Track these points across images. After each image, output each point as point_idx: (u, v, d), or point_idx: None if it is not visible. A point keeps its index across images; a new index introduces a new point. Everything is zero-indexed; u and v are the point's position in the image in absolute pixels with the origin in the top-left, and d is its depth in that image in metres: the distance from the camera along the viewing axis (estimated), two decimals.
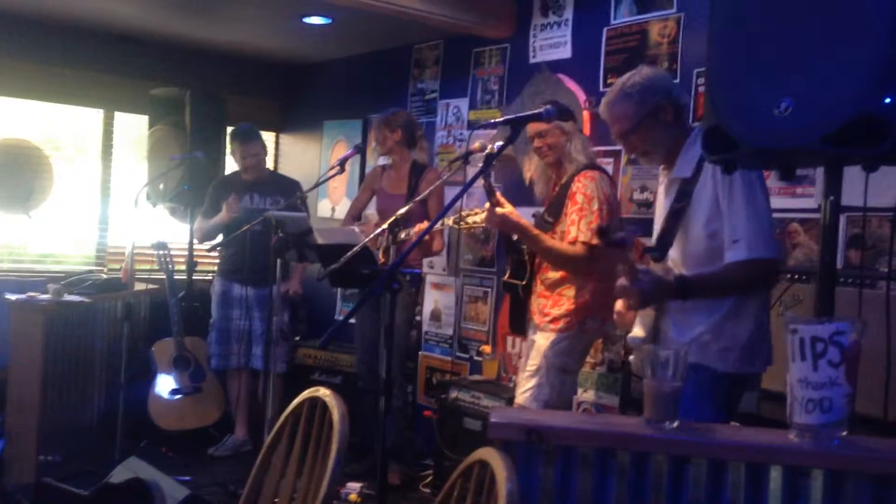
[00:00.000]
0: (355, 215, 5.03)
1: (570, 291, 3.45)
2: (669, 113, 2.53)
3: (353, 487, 4.26)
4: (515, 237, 3.52)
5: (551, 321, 3.46)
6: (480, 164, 2.66)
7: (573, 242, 3.35)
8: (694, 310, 2.43)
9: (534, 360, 3.47)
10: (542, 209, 3.65)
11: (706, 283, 2.40)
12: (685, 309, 2.43)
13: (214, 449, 5.05)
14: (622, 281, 2.36)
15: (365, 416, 4.66)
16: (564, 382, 3.49)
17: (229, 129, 5.38)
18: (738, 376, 2.44)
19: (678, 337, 2.45)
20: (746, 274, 2.33)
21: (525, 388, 3.47)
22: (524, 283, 3.61)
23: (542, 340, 3.47)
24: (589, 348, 3.72)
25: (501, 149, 2.58)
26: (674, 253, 2.52)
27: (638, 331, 2.57)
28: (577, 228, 3.34)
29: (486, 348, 4.75)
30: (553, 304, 3.48)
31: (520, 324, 3.73)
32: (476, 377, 4.70)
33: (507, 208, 3.31)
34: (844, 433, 1.61)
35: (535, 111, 2.63)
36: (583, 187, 3.39)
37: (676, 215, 2.45)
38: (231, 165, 5.60)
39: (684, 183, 2.44)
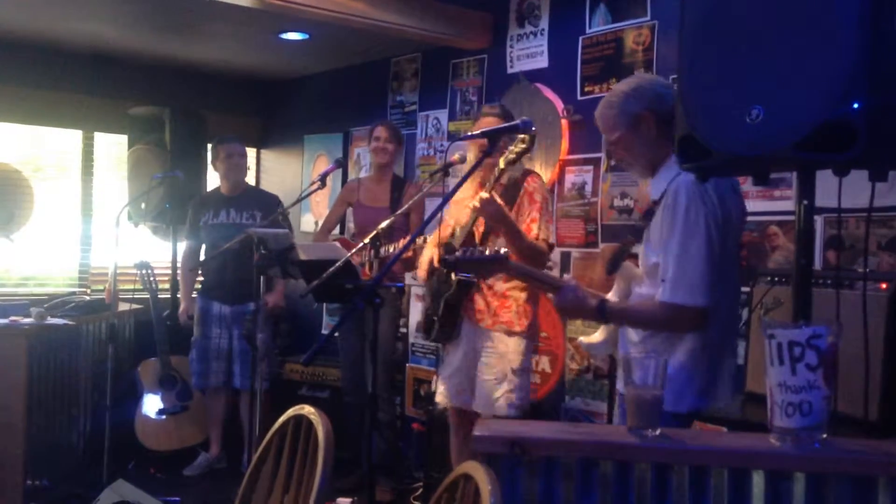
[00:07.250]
0: (329, 229, 5.01)
1: (514, 293, 3.49)
2: (652, 125, 2.33)
3: (343, 502, 4.24)
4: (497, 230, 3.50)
5: (505, 323, 3.49)
6: (461, 176, 2.67)
7: (535, 239, 3.43)
8: (640, 335, 2.37)
9: (497, 366, 3.48)
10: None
11: (626, 315, 2.40)
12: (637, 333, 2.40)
13: (188, 468, 5.00)
14: (549, 296, 2.37)
15: (353, 430, 4.65)
16: (527, 383, 3.56)
17: (209, 147, 5.36)
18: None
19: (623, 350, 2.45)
20: (666, 316, 2.25)
21: (495, 395, 3.47)
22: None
23: (503, 345, 3.49)
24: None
25: (479, 162, 2.60)
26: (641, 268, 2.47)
27: (597, 335, 2.60)
28: (538, 226, 3.44)
29: None
30: (500, 304, 3.51)
31: (452, 325, 3.60)
32: None
33: (499, 200, 3.32)
34: (824, 436, 1.62)
35: (513, 123, 2.68)
36: (540, 188, 3.51)
37: (636, 235, 2.46)
38: (213, 183, 5.58)
39: (653, 204, 2.36)
